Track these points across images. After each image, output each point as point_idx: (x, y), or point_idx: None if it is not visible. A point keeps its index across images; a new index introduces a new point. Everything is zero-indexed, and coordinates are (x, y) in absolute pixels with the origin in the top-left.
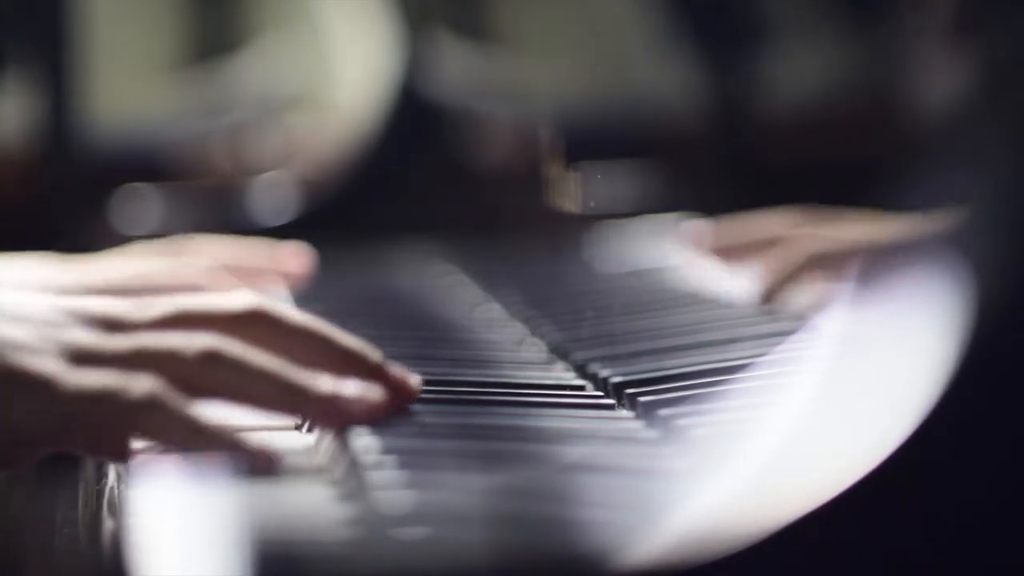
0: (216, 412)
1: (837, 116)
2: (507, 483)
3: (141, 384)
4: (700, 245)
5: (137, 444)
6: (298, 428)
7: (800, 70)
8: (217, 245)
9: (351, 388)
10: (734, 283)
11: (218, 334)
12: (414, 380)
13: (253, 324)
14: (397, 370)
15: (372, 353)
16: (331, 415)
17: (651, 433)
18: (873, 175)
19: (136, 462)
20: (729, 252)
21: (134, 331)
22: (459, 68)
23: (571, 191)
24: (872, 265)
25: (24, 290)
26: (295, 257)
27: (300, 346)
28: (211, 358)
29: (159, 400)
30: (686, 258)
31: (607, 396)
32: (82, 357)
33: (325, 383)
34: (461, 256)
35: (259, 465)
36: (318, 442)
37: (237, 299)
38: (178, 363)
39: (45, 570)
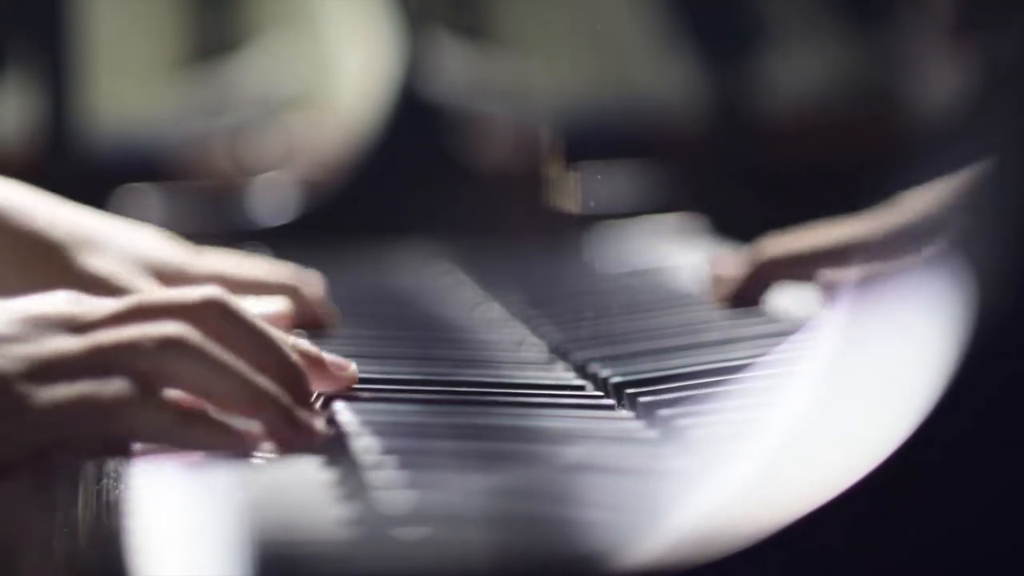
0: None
1: (837, 116)
2: (507, 483)
3: (112, 386)
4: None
5: (126, 443)
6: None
7: (800, 71)
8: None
9: (303, 413)
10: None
11: (178, 321)
12: (351, 369)
13: (210, 315)
14: (334, 360)
15: (312, 350)
16: (283, 427)
17: (651, 433)
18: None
19: (136, 462)
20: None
21: (92, 329)
22: (459, 68)
23: (571, 191)
24: (840, 267)
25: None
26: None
27: (251, 341)
28: (172, 345)
29: (133, 398)
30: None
31: (607, 396)
32: (46, 368)
33: (284, 395)
34: (461, 256)
35: (243, 447)
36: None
37: (193, 290)
38: (140, 354)
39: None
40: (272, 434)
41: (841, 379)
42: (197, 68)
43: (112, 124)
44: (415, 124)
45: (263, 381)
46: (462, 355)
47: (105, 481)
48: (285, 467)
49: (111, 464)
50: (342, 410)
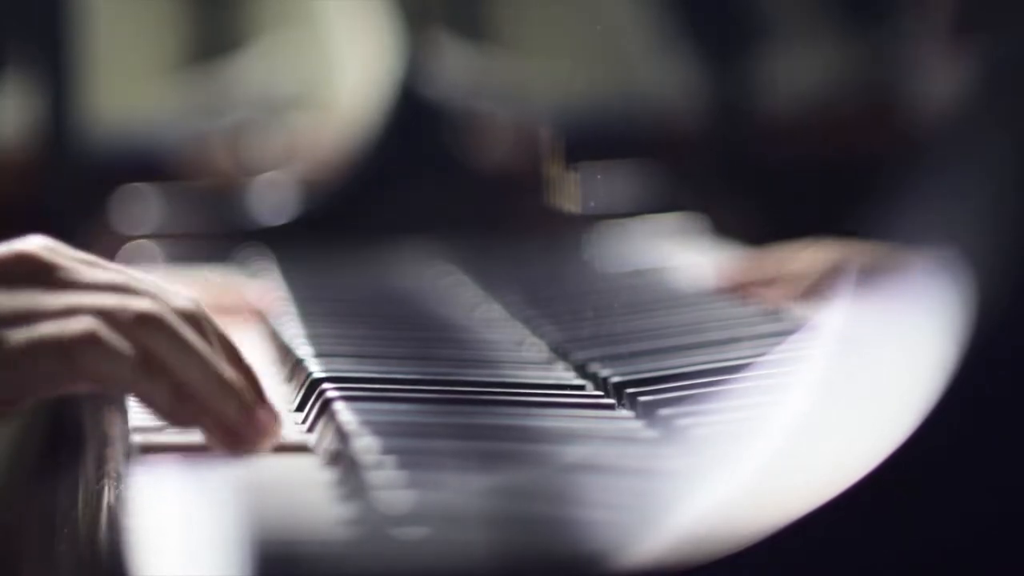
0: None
1: (837, 116)
2: (507, 483)
3: (79, 322)
4: (728, 281)
5: (90, 384)
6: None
7: (800, 70)
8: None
9: (262, 412)
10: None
11: (157, 301)
12: (276, 425)
13: (187, 321)
14: (268, 413)
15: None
16: (241, 421)
17: (651, 433)
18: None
19: (136, 462)
20: (747, 286)
21: (72, 289)
22: (459, 68)
23: (571, 191)
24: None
25: None
26: (263, 296)
27: (220, 347)
28: (149, 321)
29: (98, 336)
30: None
31: (607, 396)
32: (18, 317)
33: (247, 393)
34: (461, 256)
35: (188, 419)
36: (319, 440)
37: (180, 293)
38: (114, 320)
39: (45, 570)
40: (229, 427)
41: (841, 379)
42: (197, 68)
43: (112, 124)
44: (415, 124)
45: (229, 374)
46: (462, 355)
47: (105, 481)
48: (285, 467)
49: (111, 464)
50: (342, 410)
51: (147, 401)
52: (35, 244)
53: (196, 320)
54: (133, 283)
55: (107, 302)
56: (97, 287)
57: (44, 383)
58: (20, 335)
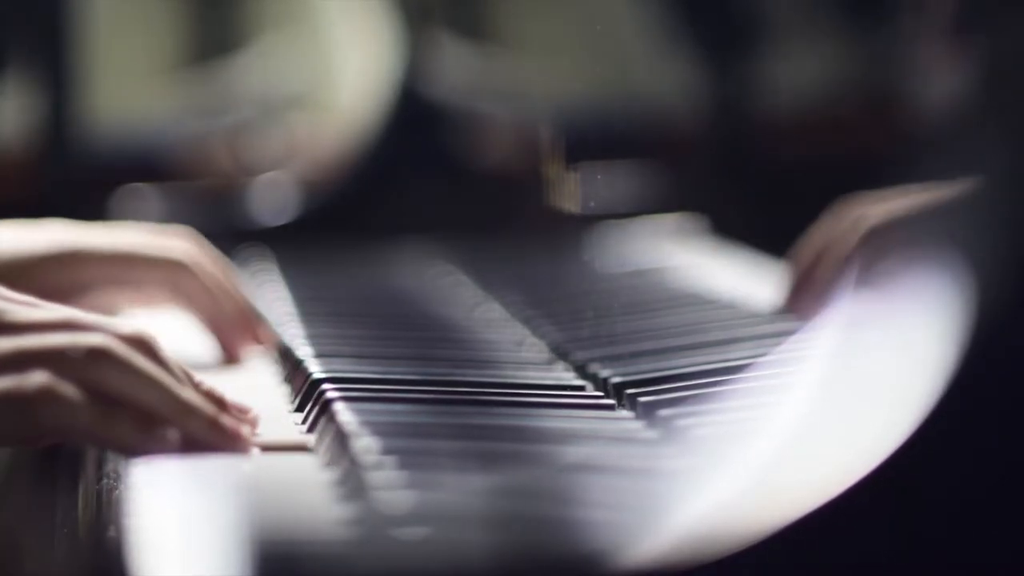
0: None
1: (837, 116)
2: (507, 483)
3: (33, 379)
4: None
5: (49, 438)
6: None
7: (800, 70)
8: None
9: (228, 420)
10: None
11: (104, 335)
12: (247, 432)
13: (137, 348)
14: (234, 417)
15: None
16: (209, 435)
17: (651, 433)
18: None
19: (136, 462)
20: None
21: (17, 331)
22: (459, 68)
23: (571, 191)
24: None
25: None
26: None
27: (154, 391)
28: (100, 355)
29: (54, 391)
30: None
31: (607, 396)
32: None
33: (208, 406)
34: (461, 256)
35: (163, 447)
36: (319, 440)
37: (124, 323)
38: (66, 361)
39: (45, 570)
40: (199, 442)
41: (841, 379)
42: (197, 68)
43: (112, 124)
44: (415, 124)
45: (188, 392)
46: (462, 355)
47: (105, 481)
48: (285, 467)
49: (111, 464)
50: (342, 410)
51: (110, 444)
52: None
53: (145, 346)
54: (79, 319)
55: (56, 342)
56: (44, 327)
57: (3, 438)
58: None
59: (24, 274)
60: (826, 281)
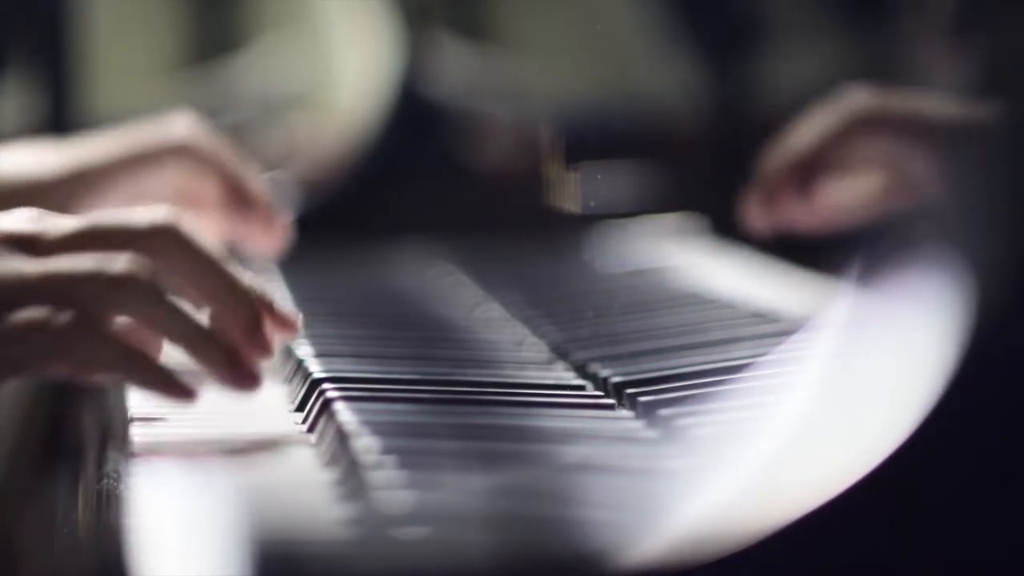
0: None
1: None
2: (507, 483)
3: (62, 316)
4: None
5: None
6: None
7: (800, 70)
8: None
9: (249, 360)
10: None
11: (132, 255)
12: (297, 320)
13: (164, 243)
14: (283, 310)
15: (264, 291)
16: (225, 370)
17: (651, 433)
18: None
19: (136, 462)
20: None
21: (47, 252)
22: (459, 68)
23: (571, 191)
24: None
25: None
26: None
27: (203, 271)
28: (123, 283)
29: (81, 329)
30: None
31: (607, 396)
32: (2, 290)
33: (231, 337)
34: (461, 256)
35: (183, 396)
36: (319, 440)
37: (149, 214)
38: (94, 286)
39: (45, 570)
40: (214, 375)
41: (841, 379)
42: (197, 68)
43: (112, 124)
44: (415, 124)
45: (212, 329)
46: (462, 355)
47: (105, 481)
48: (285, 467)
49: (111, 464)
50: (342, 410)
51: (138, 382)
52: (20, 216)
53: (174, 239)
54: (104, 229)
55: (85, 268)
56: (72, 242)
57: (32, 364)
58: (11, 318)
59: (38, 200)
60: (805, 176)
